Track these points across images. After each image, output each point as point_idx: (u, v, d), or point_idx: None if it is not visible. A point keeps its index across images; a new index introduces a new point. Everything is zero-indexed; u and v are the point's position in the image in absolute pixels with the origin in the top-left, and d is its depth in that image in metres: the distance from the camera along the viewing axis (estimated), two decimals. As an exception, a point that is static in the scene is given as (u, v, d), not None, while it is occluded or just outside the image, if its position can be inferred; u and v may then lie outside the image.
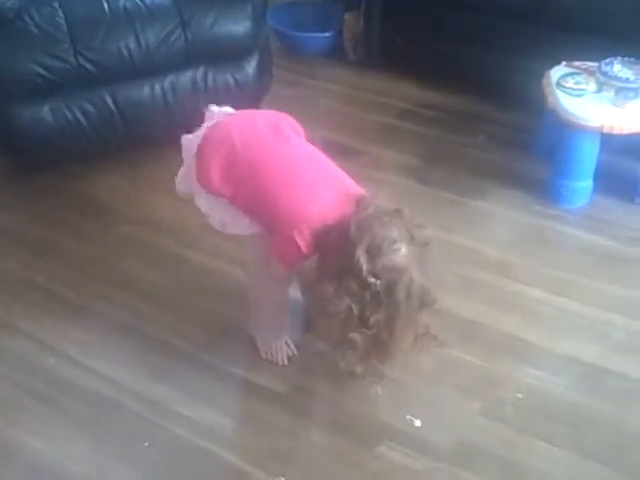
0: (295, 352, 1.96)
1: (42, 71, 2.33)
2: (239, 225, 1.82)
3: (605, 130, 2.36)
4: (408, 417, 1.80)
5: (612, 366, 1.94)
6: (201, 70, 2.58)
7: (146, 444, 1.76)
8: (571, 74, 2.53)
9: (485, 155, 2.72)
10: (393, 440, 1.76)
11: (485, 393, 1.87)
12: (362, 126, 2.88)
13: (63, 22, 2.37)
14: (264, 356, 1.96)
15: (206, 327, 2.04)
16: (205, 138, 1.86)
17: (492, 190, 2.56)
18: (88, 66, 2.38)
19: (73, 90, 2.42)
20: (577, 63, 2.59)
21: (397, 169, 2.65)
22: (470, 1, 2.86)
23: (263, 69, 2.73)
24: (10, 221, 2.44)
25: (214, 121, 1.92)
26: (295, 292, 2.02)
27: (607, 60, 2.51)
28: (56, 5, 2.39)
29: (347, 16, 3.23)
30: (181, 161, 1.94)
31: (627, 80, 2.44)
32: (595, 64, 2.53)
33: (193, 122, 1.99)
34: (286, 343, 1.97)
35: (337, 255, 1.64)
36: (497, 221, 2.45)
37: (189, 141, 1.89)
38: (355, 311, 1.62)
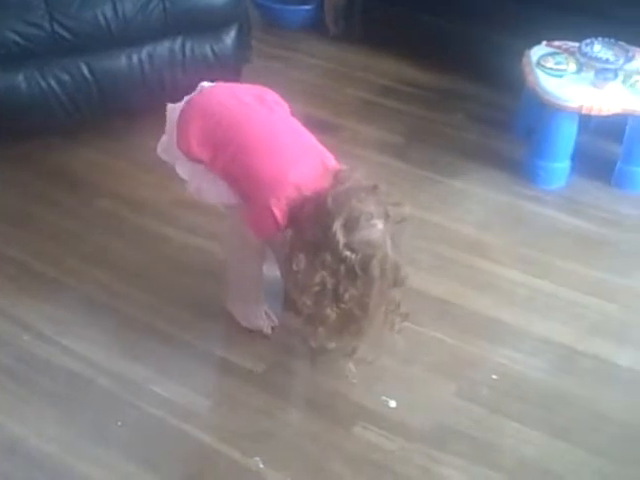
0: (276, 322, 1.95)
1: (16, 38, 2.29)
2: (216, 193, 1.82)
3: (584, 111, 2.37)
4: (383, 398, 1.81)
5: (586, 348, 1.96)
6: (179, 40, 2.55)
7: (119, 423, 1.74)
8: (551, 54, 2.53)
9: (464, 134, 2.72)
10: (368, 421, 1.76)
11: (460, 374, 1.88)
12: (342, 101, 2.86)
13: (38, -13, 2.32)
14: (244, 324, 1.94)
15: (183, 305, 2.02)
16: (187, 104, 1.87)
17: (470, 169, 2.56)
18: (64, 33, 2.34)
19: (48, 58, 2.38)
20: (557, 43, 2.59)
21: (376, 145, 2.65)
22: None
23: (242, 41, 2.70)
24: (-16, 192, 2.41)
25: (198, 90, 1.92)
26: (275, 270, 2.01)
27: (587, 41, 2.51)
28: (31, -30, 2.34)
29: (328, -12, 3.20)
30: (158, 133, 1.93)
31: (607, 61, 2.45)
32: (576, 44, 2.53)
33: (171, 93, 1.97)
34: (266, 313, 1.96)
35: (312, 227, 1.63)
36: (474, 200, 2.45)
37: (173, 110, 1.90)
38: (329, 285, 1.62)
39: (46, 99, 2.42)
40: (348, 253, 1.60)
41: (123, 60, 2.49)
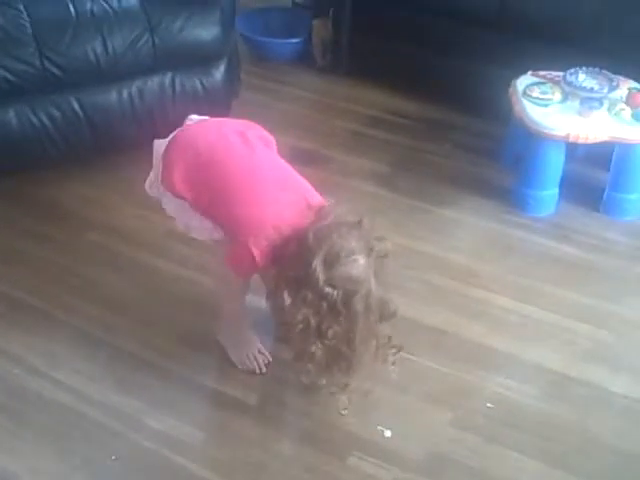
0: (269, 359, 1.95)
1: (7, 74, 2.29)
2: (205, 230, 1.83)
3: (570, 139, 2.39)
4: (378, 428, 1.81)
5: (578, 374, 1.97)
6: (169, 75, 2.56)
7: (113, 457, 1.73)
8: (537, 83, 2.56)
9: (452, 163, 2.74)
10: (364, 451, 1.76)
11: (454, 403, 1.89)
12: (330, 133, 2.88)
13: (28, 25, 2.33)
14: (240, 367, 1.93)
15: (175, 337, 2.02)
16: (171, 141, 1.88)
17: (459, 198, 2.57)
18: (54, 70, 2.35)
19: (39, 94, 2.38)
20: (543, 72, 2.62)
21: (365, 176, 2.66)
22: (439, 8, 2.87)
23: (232, 75, 2.72)
24: (-27, 228, 2.40)
25: (184, 126, 1.93)
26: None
27: (572, 70, 2.55)
28: (21, 7, 2.35)
29: (316, 22, 3.22)
30: (148, 166, 1.94)
31: (592, 90, 2.48)
32: (560, 74, 2.57)
33: (161, 127, 1.98)
34: (259, 351, 1.95)
35: (294, 265, 1.63)
36: (464, 229, 2.47)
37: (160, 145, 1.90)
38: (312, 322, 1.61)
39: (37, 135, 2.42)
40: (329, 289, 1.59)
41: (113, 95, 2.49)
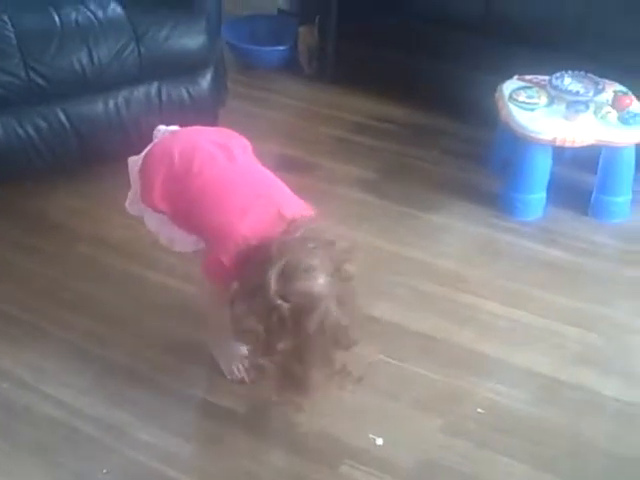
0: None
1: (-8, 86, 2.29)
2: (187, 242, 1.83)
3: (557, 143, 2.40)
4: (370, 436, 1.80)
5: (569, 378, 1.97)
6: (155, 85, 2.56)
7: (104, 471, 1.72)
8: (523, 88, 2.57)
9: (440, 168, 2.74)
10: (355, 459, 1.75)
11: (445, 409, 1.88)
12: (317, 140, 2.88)
13: (13, 36, 2.33)
14: (228, 377, 1.92)
15: (164, 348, 2.01)
16: (147, 156, 1.88)
17: (447, 203, 2.58)
18: (39, 81, 2.34)
19: (24, 105, 2.37)
20: (529, 77, 2.63)
21: (352, 183, 2.66)
22: (424, 14, 2.89)
23: (218, 83, 2.72)
24: (-40, 240, 2.39)
25: (158, 139, 1.93)
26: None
27: (557, 74, 2.56)
28: (5, 18, 2.35)
29: (301, 29, 3.23)
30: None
31: (577, 93, 2.49)
32: (546, 78, 2.58)
33: (148, 137, 1.98)
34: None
35: (253, 273, 1.60)
36: (452, 234, 2.47)
37: (134, 162, 1.91)
38: (262, 334, 1.58)
39: (23, 146, 2.41)
40: (279, 302, 1.54)
41: (100, 106, 2.49)
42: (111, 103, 2.50)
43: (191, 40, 2.54)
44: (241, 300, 1.61)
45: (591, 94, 2.49)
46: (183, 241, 1.84)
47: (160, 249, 2.20)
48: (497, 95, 2.59)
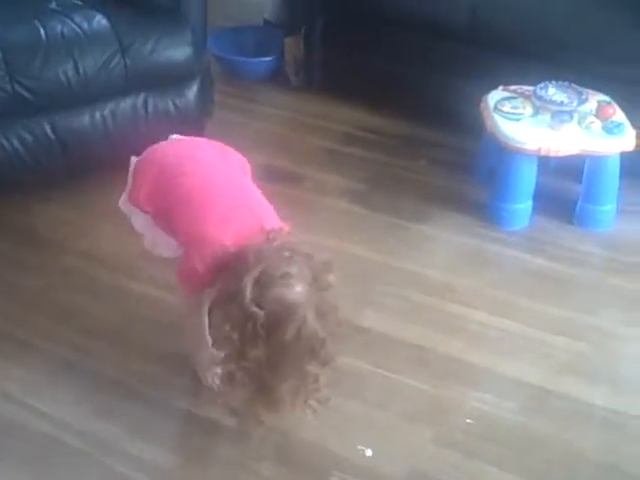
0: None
1: (-23, 100, 2.28)
2: (168, 247, 1.84)
3: (542, 153, 2.42)
4: (359, 447, 1.80)
5: (557, 387, 1.97)
6: (141, 97, 2.56)
7: (93, 484, 1.72)
8: (508, 98, 2.58)
9: (427, 179, 2.75)
10: (344, 471, 1.75)
11: (434, 419, 1.88)
12: (304, 151, 2.88)
13: (-2, 49, 2.32)
14: (204, 383, 1.90)
15: (150, 359, 2.00)
16: (141, 157, 1.90)
17: (434, 214, 2.58)
18: (25, 94, 2.33)
19: (10, 119, 2.37)
20: (513, 87, 2.65)
21: (339, 194, 2.66)
22: (409, 24, 2.89)
23: (204, 95, 2.72)
24: (-54, 254, 2.37)
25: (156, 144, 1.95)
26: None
27: (542, 84, 2.57)
28: (-10, 31, 2.35)
29: (288, 40, 3.23)
30: (122, 188, 1.95)
31: (562, 103, 2.50)
32: (531, 88, 2.59)
33: (134, 149, 1.98)
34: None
35: (229, 281, 1.59)
36: (439, 244, 2.48)
37: (134, 162, 1.93)
38: (236, 341, 1.57)
39: (10, 159, 2.40)
40: (255, 309, 1.52)
41: (86, 118, 2.48)
42: (97, 115, 2.50)
43: (177, 52, 2.55)
44: (218, 307, 1.61)
45: (575, 104, 2.51)
46: (165, 246, 1.85)
47: (148, 261, 2.21)
48: (482, 105, 2.60)
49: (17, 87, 2.32)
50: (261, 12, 3.52)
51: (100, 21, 2.48)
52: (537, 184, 2.49)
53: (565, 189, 2.63)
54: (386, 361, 2.02)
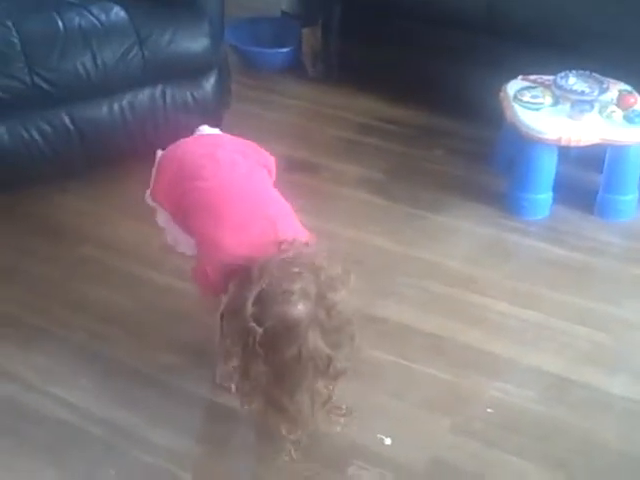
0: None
1: (-4, 91, 2.30)
2: (189, 244, 1.83)
3: (563, 142, 2.40)
4: (378, 436, 1.79)
5: (577, 377, 1.96)
6: (159, 88, 2.56)
7: (113, 472, 1.72)
8: (527, 88, 2.57)
9: (446, 169, 2.74)
10: (364, 460, 1.74)
11: (454, 409, 1.88)
12: (322, 141, 2.88)
13: (17, 41, 2.32)
14: (217, 381, 1.88)
15: (171, 349, 2.01)
16: (164, 153, 1.89)
17: (453, 204, 2.57)
18: (44, 85, 2.34)
19: (30, 110, 2.38)
20: (533, 77, 2.63)
21: (357, 184, 2.66)
22: (427, 14, 2.88)
23: (222, 86, 2.72)
24: (-34, 245, 2.39)
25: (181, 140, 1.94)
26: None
27: (562, 74, 2.55)
28: (9, 24, 2.35)
29: (305, 31, 3.23)
30: (140, 179, 1.95)
31: (582, 93, 2.49)
32: (551, 77, 2.57)
33: (152, 140, 1.98)
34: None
35: (236, 295, 1.57)
36: (459, 234, 2.46)
37: (159, 155, 1.93)
38: (239, 356, 1.55)
39: (29, 151, 2.41)
40: (253, 325, 1.49)
41: (104, 109, 2.49)
42: (115, 106, 2.50)
43: (194, 43, 2.55)
44: (225, 320, 1.59)
45: (596, 93, 2.49)
46: (186, 243, 1.84)
47: (167, 252, 2.21)
48: (502, 95, 2.58)
49: (36, 79, 2.33)
50: (278, 3, 3.52)
51: (118, 13, 2.48)
52: (557, 174, 2.48)
53: (586, 179, 2.61)
54: (405, 351, 2.01)
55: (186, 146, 1.90)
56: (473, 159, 2.76)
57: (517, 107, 2.48)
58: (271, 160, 1.92)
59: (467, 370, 1.97)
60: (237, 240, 1.65)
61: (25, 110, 2.38)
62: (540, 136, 2.40)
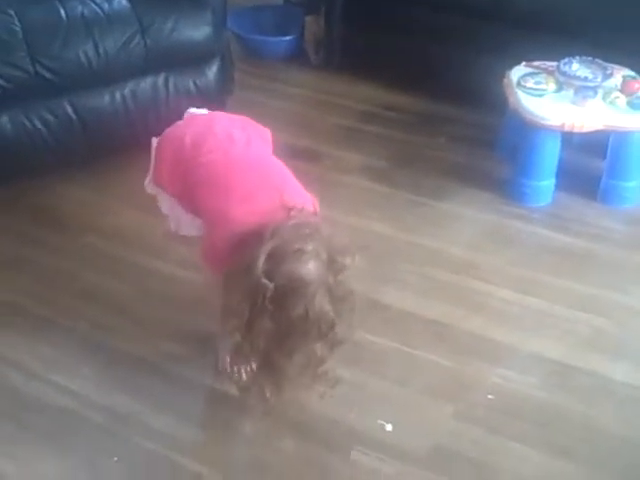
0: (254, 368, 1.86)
1: (-1, 80, 2.30)
2: (192, 226, 1.84)
3: (566, 128, 2.39)
4: (379, 422, 1.80)
5: (578, 363, 1.96)
6: (162, 76, 2.56)
7: (115, 459, 1.73)
8: (531, 74, 2.56)
9: (448, 156, 2.73)
10: (365, 445, 1.75)
11: (455, 395, 1.88)
12: (324, 129, 2.88)
13: (19, 30, 2.33)
14: (220, 368, 1.88)
15: (174, 337, 2.01)
16: (162, 137, 1.89)
17: (456, 190, 2.57)
18: (46, 74, 2.35)
19: (32, 99, 2.39)
20: (537, 63, 2.62)
21: (360, 171, 2.66)
22: (430, 1, 2.87)
23: (224, 74, 2.72)
24: (-29, 235, 2.40)
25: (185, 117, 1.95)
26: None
27: (565, 60, 2.55)
28: (11, 12, 2.35)
29: (308, 19, 3.23)
30: (143, 168, 1.95)
31: (586, 79, 2.48)
32: (554, 64, 2.56)
33: (155, 129, 1.98)
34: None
35: (245, 254, 1.58)
36: (461, 221, 2.46)
37: (155, 142, 1.93)
38: (245, 313, 1.56)
39: (32, 140, 2.42)
40: (265, 281, 1.51)
41: (107, 98, 2.49)
42: (118, 95, 2.51)
43: (197, 31, 2.55)
44: (230, 280, 1.60)
45: (599, 79, 2.48)
46: (189, 224, 1.85)
47: (170, 240, 2.22)
48: (505, 81, 2.58)
49: (38, 67, 2.33)
50: (281, -9, 3.51)
51: (120, 1, 2.49)
52: (560, 160, 2.47)
53: (589, 165, 2.61)
54: (407, 337, 2.02)
55: (183, 127, 1.91)
56: (476, 146, 2.75)
57: (520, 93, 2.48)
58: (267, 132, 1.93)
59: (469, 357, 1.98)
60: (246, 209, 1.66)
61: (27, 99, 2.38)
62: (543, 122, 2.39)
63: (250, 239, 1.59)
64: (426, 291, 2.17)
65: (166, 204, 1.91)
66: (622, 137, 2.43)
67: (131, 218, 2.41)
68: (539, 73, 2.56)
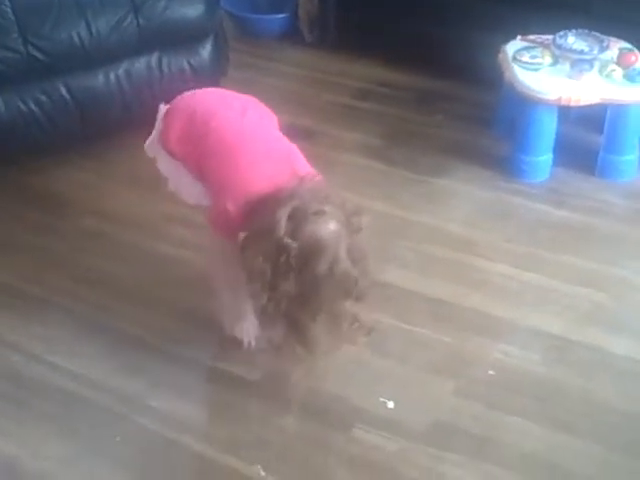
0: (253, 343, 1.90)
1: (-9, 62, 2.28)
2: (193, 194, 1.86)
3: (562, 102, 2.38)
4: (381, 399, 1.80)
5: (580, 338, 1.96)
6: (155, 56, 2.55)
7: (117, 439, 1.73)
8: (526, 48, 2.55)
9: (445, 132, 2.72)
10: (367, 422, 1.75)
11: (456, 371, 1.88)
12: (320, 107, 2.87)
13: (10, 10, 2.31)
14: (228, 332, 1.91)
15: (174, 318, 2.01)
16: (173, 103, 1.92)
17: (453, 167, 2.56)
18: (39, 55, 2.33)
19: (25, 81, 2.37)
20: (532, 37, 2.61)
21: (357, 149, 2.65)
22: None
23: (219, 53, 2.70)
24: (-33, 218, 2.38)
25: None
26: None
27: (561, 33, 2.53)
28: (2, -7, 2.33)
29: (301, -4, 3.20)
30: (139, 147, 1.96)
31: (582, 52, 2.46)
32: (550, 37, 2.55)
33: (150, 109, 1.97)
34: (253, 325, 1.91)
35: (265, 217, 1.61)
36: (459, 198, 2.46)
37: (163, 109, 1.94)
38: (268, 274, 1.58)
39: (26, 122, 2.41)
40: (289, 241, 1.55)
41: (100, 78, 2.48)
42: (112, 75, 2.49)
43: (190, 9, 2.53)
44: (251, 243, 1.63)
45: (596, 52, 2.46)
46: (189, 191, 1.86)
47: (169, 221, 2.22)
48: (501, 56, 2.56)
49: (30, 49, 2.31)
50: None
51: (112, -20, 2.46)
52: (557, 135, 2.46)
53: (586, 139, 2.60)
54: (407, 315, 2.02)
55: (196, 96, 1.94)
56: (472, 122, 2.74)
57: (516, 68, 2.46)
58: (272, 115, 1.94)
59: (469, 333, 1.98)
60: (257, 176, 1.69)
61: (21, 81, 2.36)
62: (539, 96, 2.38)
63: (268, 202, 1.63)
64: (425, 268, 2.17)
65: (166, 166, 1.91)
66: (619, 110, 2.42)
67: (128, 199, 2.40)
68: (535, 47, 2.54)
